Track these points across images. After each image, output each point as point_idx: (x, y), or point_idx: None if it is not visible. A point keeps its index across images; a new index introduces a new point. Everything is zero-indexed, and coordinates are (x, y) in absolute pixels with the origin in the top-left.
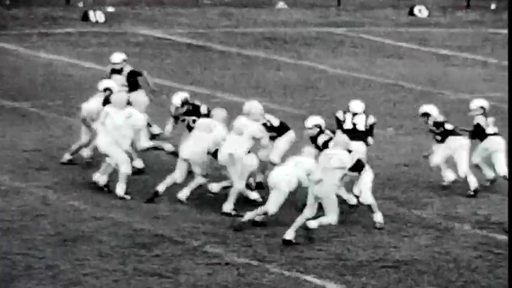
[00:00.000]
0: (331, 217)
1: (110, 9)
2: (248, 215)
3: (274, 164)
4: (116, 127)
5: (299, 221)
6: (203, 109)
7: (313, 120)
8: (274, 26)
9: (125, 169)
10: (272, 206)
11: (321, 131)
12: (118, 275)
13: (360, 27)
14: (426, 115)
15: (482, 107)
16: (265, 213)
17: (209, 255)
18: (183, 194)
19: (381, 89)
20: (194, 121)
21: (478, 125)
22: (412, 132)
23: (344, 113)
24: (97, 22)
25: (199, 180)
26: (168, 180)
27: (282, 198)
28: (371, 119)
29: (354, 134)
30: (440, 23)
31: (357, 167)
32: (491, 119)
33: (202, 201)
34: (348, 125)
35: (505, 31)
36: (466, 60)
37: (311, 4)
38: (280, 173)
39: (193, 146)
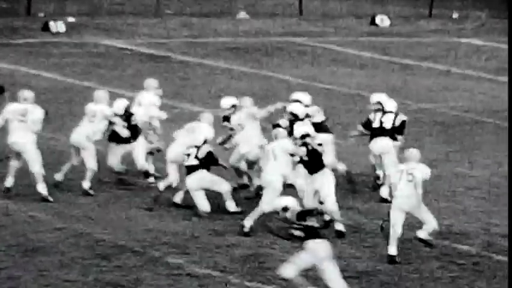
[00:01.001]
0: (434, 222)
1: (71, 19)
2: (248, 222)
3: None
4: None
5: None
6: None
7: (229, 101)
8: (235, 35)
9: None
10: (266, 204)
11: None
12: (79, 286)
13: (321, 36)
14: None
15: (379, 102)
16: (263, 214)
17: (170, 266)
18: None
19: (343, 98)
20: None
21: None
22: None
23: (375, 112)
24: (57, 33)
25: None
26: (165, 183)
27: (276, 196)
28: (402, 117)
29: (381, 132)
30: (401, 32)
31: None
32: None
33: (163, 211)
34: (376, 124)
35: (467, 40)
36: (428, 70)
37: (272, 14)
38: (273, 171)
39: (177, 148)
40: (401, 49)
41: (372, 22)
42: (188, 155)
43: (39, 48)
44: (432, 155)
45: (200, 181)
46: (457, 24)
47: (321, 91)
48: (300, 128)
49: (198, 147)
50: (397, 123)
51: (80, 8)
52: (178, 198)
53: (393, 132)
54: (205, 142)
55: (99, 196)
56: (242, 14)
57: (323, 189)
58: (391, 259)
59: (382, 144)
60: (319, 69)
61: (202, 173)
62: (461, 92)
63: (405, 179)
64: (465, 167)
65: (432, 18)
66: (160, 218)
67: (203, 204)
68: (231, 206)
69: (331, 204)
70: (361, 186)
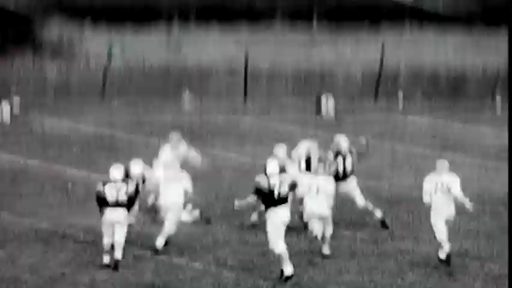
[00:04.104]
0: None
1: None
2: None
3: None
4: None
5: None
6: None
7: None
8: (180, 114)
9: None
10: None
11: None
12: None
13: (266, 114)
14: None
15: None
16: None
17: None
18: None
19: None
20: None
21: None
22: None
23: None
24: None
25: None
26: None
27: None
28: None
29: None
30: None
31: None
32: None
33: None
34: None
35: (413, 118)
36: (374, 147)
37: (218, 93)
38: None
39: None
40: (348, 127)
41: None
42: None
43: None
44: (379, 232)
45: None
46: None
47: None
48: None
49: None
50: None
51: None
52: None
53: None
54: None
55: (46, 272)
56: (187, 94)
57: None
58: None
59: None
60: (263, 148)
61: None
62: (406, 170)
63: (440, 190)
64: (410, 243)
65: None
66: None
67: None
68: None
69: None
70: None
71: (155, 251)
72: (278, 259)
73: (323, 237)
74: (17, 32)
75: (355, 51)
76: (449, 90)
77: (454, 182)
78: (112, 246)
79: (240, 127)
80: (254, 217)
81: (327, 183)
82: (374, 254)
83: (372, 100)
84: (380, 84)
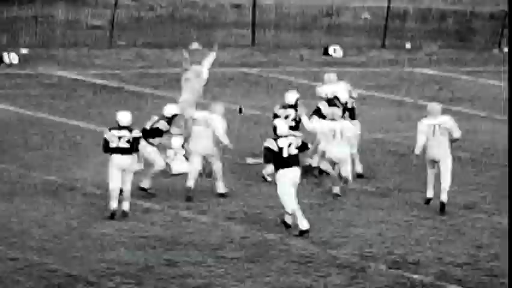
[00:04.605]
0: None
1: (24, 51)
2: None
3: None
4: None
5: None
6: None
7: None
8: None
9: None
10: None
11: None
12: None
13: (274, 67)
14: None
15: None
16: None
17: None
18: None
19: None
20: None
21: None
22: None
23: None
24: (11, 64)
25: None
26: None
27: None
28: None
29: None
30: (354, 62)
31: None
32: None
33: (118, 242)
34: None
35: (420, 70)
36: (381, 100)
37: (225, 45)
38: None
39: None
40: (354, 79)
41: (325, 53)
42: None
43: None
44: (386, 184)
45: None
46: (409, 55)
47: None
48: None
49: None
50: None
51: (33, 40)
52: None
53: None
54: None
55: (53, 226)
56: (195, 45)
57: None
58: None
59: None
60: (272, 99)
61: None
62: (414, 122)
63: (438, 132)
64: (418, 196)
65: (385, 48)
66: (112, 247)
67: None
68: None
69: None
70: (316, 216)
71: (188, 196)
72: (286, 212)
73: (340, 177)
74: None
75: None
76: (456, 38)
77: (452, 124)
78: (121, 192)
79: (248, 78)
80: (269, 170)
81: (349, 127)
82: (381, 207)
83: (380, 51)
84: (387, 33)
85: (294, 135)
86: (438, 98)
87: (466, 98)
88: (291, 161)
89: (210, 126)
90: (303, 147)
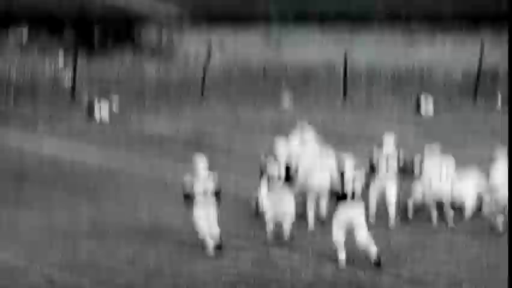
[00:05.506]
0: None
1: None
2: None
3: None
4: None
5: None
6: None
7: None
8: (279, 112)
9: None
10: None
11: None
12: None
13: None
14: None
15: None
16: None
17: None
18: None
19: None
20: None
21: None
22: None
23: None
24: (101, 119)
25: None
26: None
27: None
28: None
29: None
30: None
31: None
32: None
33: (210, 281)
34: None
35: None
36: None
37: (316, 103)
38: None
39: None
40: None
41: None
42: None
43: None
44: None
45: None
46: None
47: None
48: None
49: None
50: None
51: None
52: None
53: None
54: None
55: (145, 265)
56: (286, 94)
57: None
58: None
59: None
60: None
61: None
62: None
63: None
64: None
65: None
66: (204, 286)
67: None
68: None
69: None
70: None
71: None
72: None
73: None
74: (117, 31)
75: (454, 51)
76: None
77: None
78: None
79: (339, 126)
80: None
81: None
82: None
83: (471, 99)
84: (479, 84)
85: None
86: None
87: None
88: (353, 197)
89: None
90: (367, 185)
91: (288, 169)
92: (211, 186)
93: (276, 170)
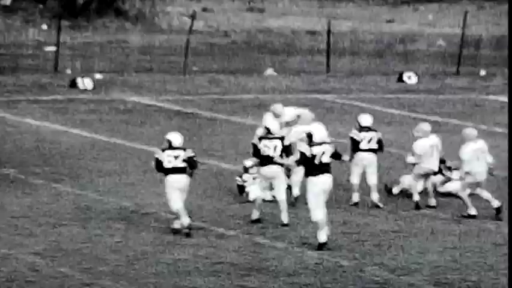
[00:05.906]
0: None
1: (98, 76)
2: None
3: None
4: None
5: None
6: None
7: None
8: (262, 92)
9: None
10: None
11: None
12: None
13: (348, 93)
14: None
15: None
16: None
17: None
18: None
19: None
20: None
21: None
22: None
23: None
24: (85, 89)
25: None
26: None
27: None
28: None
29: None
30: (429, 89)
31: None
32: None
33: (192, 268)
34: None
35: (494, 97)
36: (456, 127)
37: (299, 71)
38: None
39: None
40: (428, 106)
41: (400, 79)
42: None
43: (66, 105)
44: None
45: None
46: (484, 81)
47: (346, 148)
48: None
49: None
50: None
51: (108, 66)
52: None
53: None
54: None
55: (127, 252)
56: (269, 71)
57: None
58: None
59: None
60: (345, 126)
61: None
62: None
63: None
64: (492, 223)
65: (459, 75)
66: (187, 273)
67: None
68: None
69: None
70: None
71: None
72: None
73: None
74: (100, 1)
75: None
76: None
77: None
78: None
79: (322, 105)
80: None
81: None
82: (455, 234)
83: (455, 78)
84: (461, 59)
85: (329, 144)
86: None
87: None
88: (323, 169)
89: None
90: (335, 156)
91: (286, 147)
92: (183, 162)
93: (272, 146)
